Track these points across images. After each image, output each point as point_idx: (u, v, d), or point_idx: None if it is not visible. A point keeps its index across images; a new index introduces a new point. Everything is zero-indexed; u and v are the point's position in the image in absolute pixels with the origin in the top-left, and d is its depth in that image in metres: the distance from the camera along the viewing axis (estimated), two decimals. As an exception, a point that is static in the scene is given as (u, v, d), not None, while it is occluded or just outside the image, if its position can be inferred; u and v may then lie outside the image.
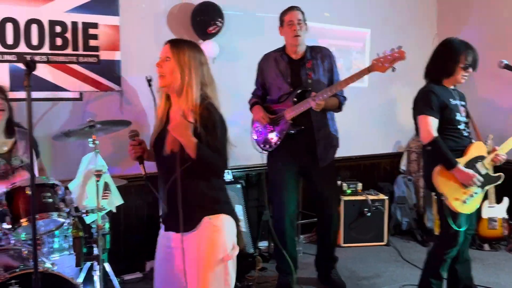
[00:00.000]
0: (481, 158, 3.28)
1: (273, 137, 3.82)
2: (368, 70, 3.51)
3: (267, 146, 3.87)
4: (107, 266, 3.43)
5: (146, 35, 4.22)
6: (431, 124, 3.20)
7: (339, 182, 5.14)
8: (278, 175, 3.88)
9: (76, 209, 3.12)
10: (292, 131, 3.73)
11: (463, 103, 3.36)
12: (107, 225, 3.30)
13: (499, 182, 3.36)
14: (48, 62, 3.82)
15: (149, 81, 3.81)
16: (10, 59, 3.66)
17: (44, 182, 2.92)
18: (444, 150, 3.17)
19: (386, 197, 5.13)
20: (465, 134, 3.32)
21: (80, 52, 3.94)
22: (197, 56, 2.33)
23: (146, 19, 4.24)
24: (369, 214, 5.02)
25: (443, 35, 3.79)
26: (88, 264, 3.37)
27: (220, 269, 2.30)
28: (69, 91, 3.92)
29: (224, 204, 2.38)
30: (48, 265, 2.82)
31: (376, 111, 5.58)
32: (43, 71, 3.78)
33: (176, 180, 2.26)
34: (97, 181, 3.10)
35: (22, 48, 3.70)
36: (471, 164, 3.23)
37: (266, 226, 4.42)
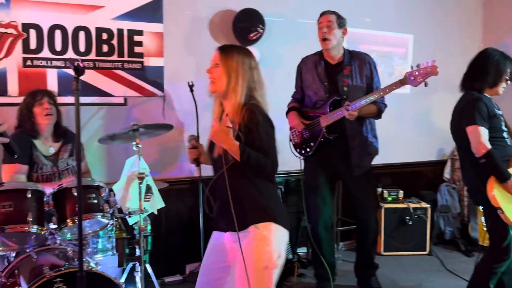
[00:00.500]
0: None
1: (308, 143, 3.82)
2: (400, 83, 3.49)
3: (303, 151, 3.86)
4: (149, 268, 3.49)
5: (189, 41, 4.30)
6: (484, 135, 3.12)
7: (379, 189, 5.08)
8: (312, 180, 3.87)
9: (120, 210, 3.19)
10: (327, 138, 3.71)
11: (501, 112, 3.30)
12: (148, 227, 3.36)
13: None
14: (94, 68, 3.94)
15: (191, 86, 3.89)
16: (58, 64, 3.80)
17: (90, 183, 3.01)
18: (498, 163, 3.09)
19: (428, 206, 5.03)
20: (509, 143, 3.26)
21: (125, 58, 4.05)
22: (246, 61, 2.40)
23: (188, 26, 4.31)
24: (410, 222, 4.93)
25: (488, 42, 3.72)
26: (130, 265, 3.44)
27: (264, 277, 2.32)
28: (114, 96, 4.03)
29: (274, 212, 2.39)
30: (92, 264, 2.91)
31: (418, 118, 5.49)
32: (89, 76, 3.90)
33: (222, 180, 2.33)
34: (140, 183, 3.16)
35: (70, 54, 3.83)
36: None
37: (305, 232, 4.42)
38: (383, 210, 4.92)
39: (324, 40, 3.69)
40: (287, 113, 3.93)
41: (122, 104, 4.08)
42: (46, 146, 3.38)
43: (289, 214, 4.59)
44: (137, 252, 3.25)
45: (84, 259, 2.84)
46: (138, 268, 3.28)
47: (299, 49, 4.18)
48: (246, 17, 4.39)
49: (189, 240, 4.24)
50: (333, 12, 3.73)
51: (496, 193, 3.08)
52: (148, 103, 4.15)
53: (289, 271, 4.20)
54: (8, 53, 3.64)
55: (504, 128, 3.24)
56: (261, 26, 4.41)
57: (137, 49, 4.08)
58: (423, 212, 4.98)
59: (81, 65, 2.18)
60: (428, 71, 3.37)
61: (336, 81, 3.73)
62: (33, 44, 3.71)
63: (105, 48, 3.96)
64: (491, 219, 3.22)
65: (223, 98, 2.41)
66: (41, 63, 3.74)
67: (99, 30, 3.93)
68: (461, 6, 5.73)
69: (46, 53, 3.75)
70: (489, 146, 3.09)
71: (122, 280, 3.41)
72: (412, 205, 4.98)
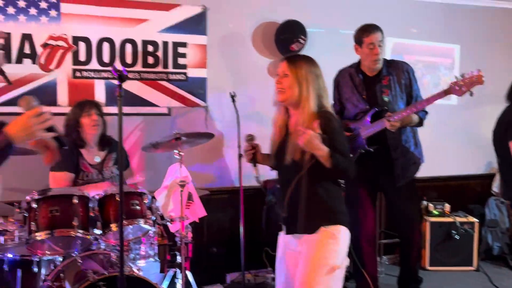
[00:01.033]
0: None
1: None
2: (444, 93, 3.43)
3: None
4: (189, 275, 3.53)
5: (231, 52, 4.37)
6: None
7: (424, 203, 4.96)
8: (353, 192, 3.81)
9: (162, 217, 3.25)
10: (368, 150, 3.66)
11: None
12: (190, 235, 3.41)
13: None
14: (140, 79, 4.05)
15: (232, 96, 3.94)
16: (106, 76, 3.93)
17: (133, 190, 3.08)
18: None
19: (476, 220, 4.87)
20: None
21: (170, 69, 4.15)
22: (313, 70, 2.49)
23: (231, 38, 4.38)
24: (457, 236, 4.79)
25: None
26: (172, 271, 3.49)
27: (329, 277, 2.39)
28: (158, 106, 4.13)
29: (341, 214, 2.49)
30: (134, 270, 2.97)
31: (465, 130, 5.35)
32: (135, 87, 4.01)
33: (297, 185, 2.43)
34: (181, 191, 3.22)
35: (117, 66, 3.95)
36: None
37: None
38: (428, 224, 4.79)
39: (377, 60, 3.63)
40: None
41: (166, 114, 4.17)
42: (92, 155, 3.49)
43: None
44: (178, 259, 3.30)
45: (126, 265, 2.92)
46: (179, 275, 3.32)
47: (342, 60, 4.15)
48: (288, 28, 4.42)
49: (230, 249, 4.25)
50: (380, 30, 3.65)
51: None
52: (191, 113, 4.23)
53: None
54: (58, 65, 3.80)
55: None
56: (303, 37, 4.43)
57: (181, 61, 4.18)
58: (470, 226, 4.83)
59: (125, 72, 2.25)
60: (474, 81, 3.31)
61: (375, 92, 3.68)
62: (82, 56, 3.86)
63: (150, 60, 4.07)
64: None
65: (294, 107, 2.49)
66: (89, 74, 3.89)
67: (145, 43, 4.05)
68: (508, 17, 5.57)
69: (94, 64, 3.89)
70: None
71: (164, 286, 3.46)
72: (458, 219, 4.84)
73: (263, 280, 4.30)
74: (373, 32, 3.61)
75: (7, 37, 3.61)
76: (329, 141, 2.38)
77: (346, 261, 2.47)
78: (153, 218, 3.06)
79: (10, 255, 2.94)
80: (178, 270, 3.32)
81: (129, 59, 4.00)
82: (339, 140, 2.43)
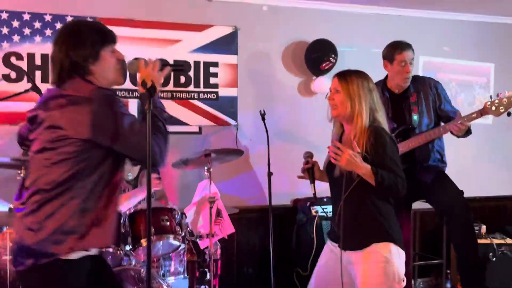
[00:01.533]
0: None
1: None
2: (480, 114, 3.37)
3: None
4: (218, 293, 3.53)
5: (261, 71, 4.41)
6: None
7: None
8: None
9: (191, 233, 3.27)
10: None
11: None
12: (218, 252, 3.41)
13: None
14: (172, 98, 4.12)
15: (262, 115, 3.95)
16: (138, 95, 4.00)
17: (163, 206, 3.12)
18: None
19: (514, 242, 4.73)
20: None
21: (201, 89, 4.21)
22: (365, 84, 2.48)
23: (262, 57, 4.43)
24: (494, 259, 4.64)
25: None
26: (201, 288, 3.49)
27: None
28: (189, 125, 4.18)
29: (392, 231, 2.43)
30: (164, 286, 2.99)
31: (501, 150, 5.22)
32: (167, 106, 4.04)
33: (346, 201, 2.41)
34: (211, 207, 3.24)
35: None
36: None
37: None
38: (463, 246, 4.66)
39: (407, 78, 3.59)
40: None
41: (197, 133, 4.23)
42: (125, 172, 3.54)
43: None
44: (207, 276, 3.30)
45: (156, 281, 2.94)
46: (208, 292, 3.32)
47: (373, 79, 4.14)
48: (318, 47, 4.44)
49: (260, 269, 4.23)
50: (412, 47, 3.62)
51: None
52: (222, 131, 4.27)
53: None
54: (94, 85, 3.90)
55: None
56: (333, 56, 4.44)
57: (212, 80, 4.24)
58: (508, 248, 4.68)
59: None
60: (511, 101, 3.26)
61: (403, 110, 3.62)
62: (116, 76, 3.95)
63: (182, 79, 4.15)
64: None
65: (347, 121, 2.51)
66: (123, 94, 3.98)
67: (177, 62, 4.12)
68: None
69: (128, 84, 3.97)
70: None
71: (193, 303, 3.46)
72: (496, 241, 4.70)
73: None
74: (406, 50, 3.57)
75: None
76: (377, 157, 2.36)
77: (403, 283, 2.38)
78: (183, 234, 3.09)
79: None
80: (207, 287, 3.31)
81: (161, 79, 4.07)
82: (387, 156, 2.39)
